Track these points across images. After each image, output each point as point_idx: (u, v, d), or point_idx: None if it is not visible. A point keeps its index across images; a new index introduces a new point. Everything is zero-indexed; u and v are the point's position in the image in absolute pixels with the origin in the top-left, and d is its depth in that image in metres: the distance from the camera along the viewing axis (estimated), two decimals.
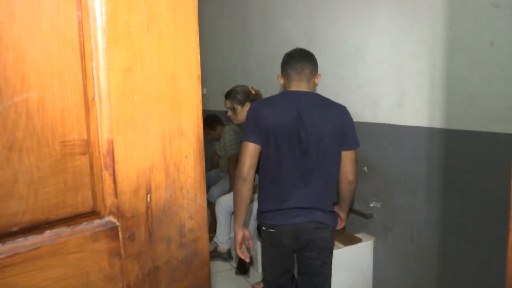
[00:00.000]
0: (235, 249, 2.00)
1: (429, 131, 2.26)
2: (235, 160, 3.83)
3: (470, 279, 2.15)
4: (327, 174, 1.92)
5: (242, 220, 1.88)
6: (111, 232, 0.46)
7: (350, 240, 2.71)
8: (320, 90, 3.13)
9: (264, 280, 2.08)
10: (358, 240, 2.71)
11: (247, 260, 1.98)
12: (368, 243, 2.74)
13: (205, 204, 0.65)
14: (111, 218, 0.46)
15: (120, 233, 0.47)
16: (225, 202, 3.49)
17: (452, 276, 2.24)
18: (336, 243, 2.70)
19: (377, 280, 2.78)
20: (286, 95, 1.94)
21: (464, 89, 2.06)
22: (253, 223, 3.38)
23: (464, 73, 2.06)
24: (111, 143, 0.46)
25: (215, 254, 3.50)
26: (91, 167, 0.45)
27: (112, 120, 0.46)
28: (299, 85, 1.96)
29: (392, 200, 2.58)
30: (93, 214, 0.45)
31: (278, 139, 1.81)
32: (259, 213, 1.95)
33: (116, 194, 0.46)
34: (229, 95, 2.98)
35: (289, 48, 3.33)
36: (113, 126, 0.46)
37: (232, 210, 3.53)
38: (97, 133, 0.45)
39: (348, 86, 2.85)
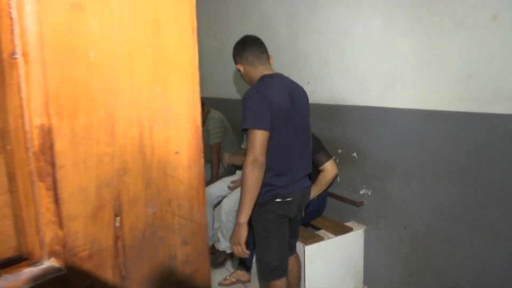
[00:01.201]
0: (230, 244, 1.89)
1: (424, 114, 2.11)
2: (218, 148, 3.63)
3: (467, 269, 2.02)
4: (310, 145, 2.09)
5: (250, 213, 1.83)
6: (56, 285, 0.26)
7: (340, 229, 2.56)
8: (304, 74, 2.95)
9: (269, 269, 1.99)
10: (349, 229, 2.56)
11: (247, 256, 1.88)
12: (358, 232, 2.59)
13: (205, 220, 0.46)
14: (53, 263, 0.26)
15: (71, 284, 0.27)
16: (209, 195, 3.28)
17: (449, 266, 2.11)
18: (326, 233, 2.55)
19: (369, 270, 2.64)
20: (272, 79, 1.94)
21: (463, 68, 1.91)
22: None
23: (462, 52, 1.90)
24: (48, 134, 0.26)
25: None
26: (12, 177, 0.24)
27: (48, 94, 0.26)
28: (268, 68, 2.00)
29: (384, 187, 2.43)
30: (20, 260, 0.25)
31: (282, 120, 1.84)
32: (272, 189, 1.91)
33: (60, 222, 0.26)
34: None
35: (270, 31, 3.14)
36: (50, 105, 0.25)
37: (216, 202, 3.33)
38: (21, 116, 0.24)
39: (335, 69, 2.66)
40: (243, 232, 1.80)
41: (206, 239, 0.45)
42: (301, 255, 2.36)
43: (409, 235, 2.31)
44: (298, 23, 2.96)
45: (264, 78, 1.93)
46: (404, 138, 2.25)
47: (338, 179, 2.75)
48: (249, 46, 1.98)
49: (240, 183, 1.82)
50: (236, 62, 2.04)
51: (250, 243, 2.70)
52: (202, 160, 0.44)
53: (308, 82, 2.92)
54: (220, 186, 3.23)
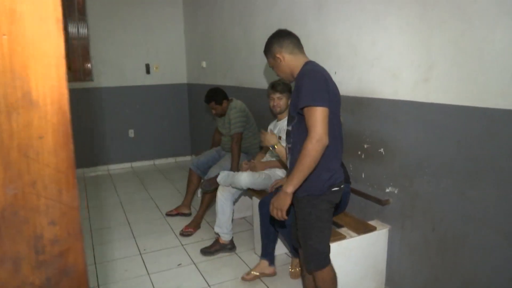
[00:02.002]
0: (270, 207, 1.89)
1: (460, 109, 1.95)
2: (239, 138, 3.53)
3: (498, 278, 1.87)
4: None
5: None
6: None
7: (364, 228, 2.43)
8: (332, 63, 2.80)
9: (324, 256, 1.98)
10: (372, 228, 2.44)
11: (286, 218, 1.88)
12: (383, 232, 2.46)
13: (76, 202, 0.51)
14: None
15: None
16: (232, 189, 3.18)
17: (478, 273, 1.96)
18: (349, 232, 2.43)
19: (391, 271, 2.51)
20: (318, 65, 1.97)
21: (507, 61, 1.73)
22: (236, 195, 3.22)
23: (508, 43, 1.73)
24: None
25: (218, 247, 3.21)
26: None
27: None
28: (306, 57, 2.01)
29: (412, 186, 2.28)
30: None
31: (334, 101, 1.85)
32: (332, 177, 1.89)
33: None
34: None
35: (297, 18, 3.00)
36: None
37: (236, 197, 3.23)
38: None
39: (365, 57, 2.51)
40: (288, 200, 1.82)
41: (78, 220, 0.49)
42: None
43: (437, 237, 2.17)
44: (327, 10, 2.81)
45: (310, 63, 1.95)
46: (437, 135, 2.09)
47: (363, 175, 2.62)
48: (288, 36, 2.00)
49: (299, 156, 1.77)
50: (275, 52, 1.97)
51: (273, 235, 2.60)
52: (71, 145, 0.47)
53: (335, 72, 2.78)
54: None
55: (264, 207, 2.80)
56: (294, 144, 1.93)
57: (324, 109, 1.74)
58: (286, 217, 1.86)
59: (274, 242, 2.82)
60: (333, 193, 1.92)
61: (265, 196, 2.92)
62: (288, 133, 2.00)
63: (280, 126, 3.03)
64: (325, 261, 1.99)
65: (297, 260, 2.82)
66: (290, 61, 1.96)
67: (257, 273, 2.82)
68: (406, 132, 2.28)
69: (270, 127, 3.24)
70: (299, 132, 1.88)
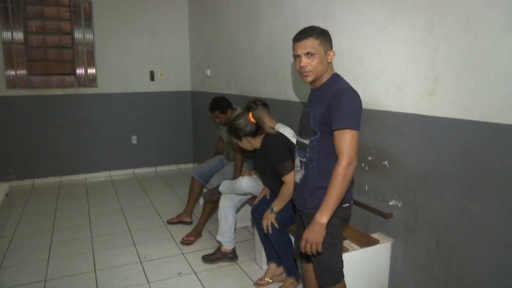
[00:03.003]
0: (302, 243, 1.81)
1: (466, 124, 1.92)
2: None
3: None
4: None
5: None
6: None
7: (366, 241, 2.41)
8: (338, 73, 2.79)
9: (337, 271, 1.94)
10: (375, 241, 2.41)
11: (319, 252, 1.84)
12: (385, 245, 2.43)
13: None
14: None
15: None
16: (235, 197, 3.17)
17: (483, 287, 1.94)
18: (351, 245, 2.40)
19: (394, 286, 2.47)
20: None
21: None
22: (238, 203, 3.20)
23: None
24: None
25: (219, 256, 3.18)
26: None
27: None
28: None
29: (416, 199, 2.26)
30: None
31: None
32: (350, 192, 1.91)
33: None
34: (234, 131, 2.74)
35: (302, 27, 2.99)
36: None
37: (239, 205, 3.21)
38: None
39: (370, 69, 2.50)
40: (324, 232, 1.75)
41: None
42: None
43: (441, 251, 2.14)
44: (333, 20, 2.80)
45: (340, 77, 1.90)
46: (441, 148, 2.07)
47: (366, 188, 2.60)
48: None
49: (330, 184, 1.72)
50: (330, 46, 1.87)
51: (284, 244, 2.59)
52: None
53: None
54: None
55: (256, 214, 2.85)
56: (311, 159, 1.86)
57: (358, 133, 1.73)
58: (320, 251, 1.79)
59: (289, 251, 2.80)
60: (344, 210, 1.89)
61: (257, 202, 2.93)
62: (303, 146, 1.89)
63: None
64: (339, 276, 1.95)
65: (277, 270, 2.88)
66: (330, 69, 1.88)
67: (270, 280, 2.85)
68: (410, 145, 2.26)
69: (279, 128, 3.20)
70: (319, 148, 1.82)
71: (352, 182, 1.87)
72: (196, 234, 3.59)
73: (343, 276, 1.97)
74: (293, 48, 1.86)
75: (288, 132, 3.06)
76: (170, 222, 4.01)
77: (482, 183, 1.89)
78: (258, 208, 2.86)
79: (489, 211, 1.87)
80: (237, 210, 3.28)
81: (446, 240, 2.10)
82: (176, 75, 6.23)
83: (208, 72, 5.46)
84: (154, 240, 3.61)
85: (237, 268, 3.09)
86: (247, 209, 3.74)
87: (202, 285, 2.84)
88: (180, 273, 3.01)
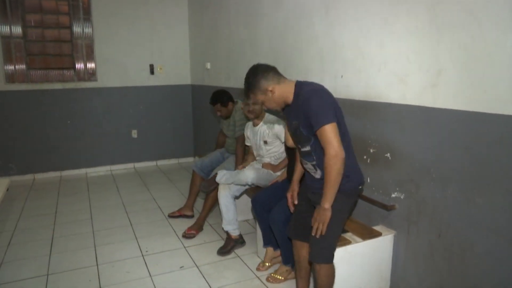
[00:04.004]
0: (313, 223, 2.05)
1: (469, 115, 1.91)
2: (243, 141, 3.52)
3: (508, 286, 1.84)
4: None
5: None
6: None
7: (369, 233, 2.41)
8: (338, 67, 2.78)
9: (332, 252, 2.11)
10: (377, 234, 2.41)
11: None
12: (388, 237, 2.43)
13: None
14: None
15: None
16: (233, 187, 3.18)
17: (486, 281, 1.93)
18: (353, 237, 2.41)
19: (396, 278, 2.48)
20: (313, 83, 2.11)
21: None
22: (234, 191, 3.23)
23: None
24: None
25: (233, 244, 3.25)
26: None
27: None
28: (291, 80, 2.14)
29: (419, 191, 2.26)
30: None
31: (339, 113, 2.04)
32: (359, 177, 2.16)
33: None
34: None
35: (303, 20, 2.99)
36: None
37: (238, 194, 3.23)
38: None
39: (372, 61, 2.49)
40: (329, 214, 2.00)
41: None
42: None
43: (443, 244, 2.14)
44: (334, 12, 2.78)
45: (303, 83, 2.08)
46: (444, 141, 2.06)
47: (369, 180, 2.59)
48: (268, 68, 2.10)
49: (324, 176, 1.96)
50: (265, 87, 2.06)
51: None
52: None
53: (342, 76, 2.75)
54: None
55: (257, 204, 2.90)
56: (319, 160, 2.06)
57: (333, 124, 1.91)
58: (323, 233, 2.02)
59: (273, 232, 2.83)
60: (358, 192, 2.18)
61: (257, 192, 2.99)
62: (308, 153, 2.10)
63: (260, 132, 3.20)
64: (332, 256, 2.11)
65: (274, 253, 2.95)
66: (282, 90, 2.06)
67: (269, 263, 2.95)
68: (413, 137, 2.25)
69: (248, 133, 3.31)
70: (320, 149, 2.00)
71: (355, 168, 2.14)
72: (197, 228, 3.59)
73: (333, 259, 2.12)
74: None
75: (277, 128, 3.10)
76: (171, 216, 4.02)
77: (485, 175, 1.88)
78: (259, 198, 2.90)
79: (492, 204, 1.86)
80: (237, 197, 3.32)
81: (448, 233, 2.10)
82: (176, 69, 6.21)
83: (208, 65, 5.44)
84: (156, 234, 3.62)
85: (239, 261, 3.10)
86: (248, 202, 3.74)
87: (205, 278, 2.84)
88: (182, 266, 3.02)
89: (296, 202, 2.36)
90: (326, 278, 2.12)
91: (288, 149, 2.87)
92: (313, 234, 2.06)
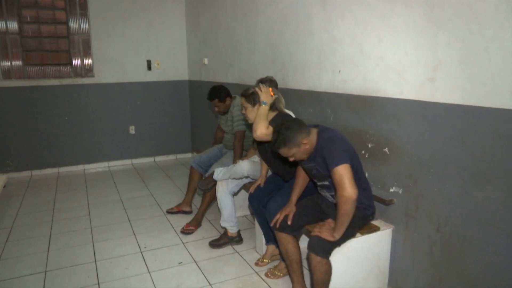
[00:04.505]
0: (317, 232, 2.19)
1: (467, 109, 1.92)
2: (242, 136, 3.51)
3: (505, 280, 1.85)
4: None
5: None
6: None
7: (367, 228, 2.41)
8: (336, 61, 2.78)
9: (332, 249, 2.20)
10: (376, 228, 2.41)
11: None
12: (386, 232, 2.44)
13: None
14: None
15: None
16: (230, 183, 3.18)
17: (484, 275, 1.94)
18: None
19: (394, 272, 2.49)
20: (328, 128, 2.31)
21: None
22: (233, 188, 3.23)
23: None
24: None
25: (226, 240, 3.27)
26: None
27: None
28: (312, 127, 2.32)
29: (417, 186, 2.26)
30: None
31: (355, 159, 2.26)
32: (373, 207, 2.39)
33: None
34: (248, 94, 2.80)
35: (301, 15, 2.98)
36: None
37: (236, 190, 3.23)
38: None
39: (370, 55, 2.48)
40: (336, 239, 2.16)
41: None
42: None
43: (441, 238, 2.15)
44: (332, 6, 2.78)
45: (321, 131, 2.26)
46: (442, 135, 2.06)
47: (367, 175, 2.59)
48: (299, 121, 2.24)
49: (338, 212, 2.10)
50: (301, 140, 2.17)
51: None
52: None
53: (340, 71, 2.75)
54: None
55: (254, 200, 2.90)
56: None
57: (346, 165, 2.06)
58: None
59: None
60: (367, 219, 2.39)
61: (250, 192, 2.97)
62: (327, 187, 2.31)
63: None
64: (330, 253, 2.18)
65: (275, 250, 2.94)
66: (311, 141, 2.20)
67: (268, 260, 2.95)
68: (411, 131, 2.25)
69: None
70: None
71: (369, 202, 2.35)
72: (196, 224, 3.59)
73: (329, 256, 2.18)
74: None
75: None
76: (169, 211, 4.02)
77: (483, 169, 1.89)
78: (256, 194, 2.91)
79: (490, 197, 1.87)
80: (235, 193, 3.32)
81: (447, 227, 2.11)
82: (173, 64, 6.19)
83: (206, 61, 5.42)
84: (154, 230, 3.62)
85: (238, 256, 3.10)
86: (246, 198, 3.75)
87: (203, 274, 2.85)
88: (181, 262, 3.02)
89: (289, 222, 2.40)
90: (322, 275, 2.17)
91: (260, 147, 2.88)
92: (314, 234, 2.17)
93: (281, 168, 2.79)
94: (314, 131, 2.23)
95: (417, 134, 2.22)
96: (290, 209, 2.45)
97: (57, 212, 4.12)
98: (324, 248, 2.15)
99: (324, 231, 2.17)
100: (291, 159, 2.25)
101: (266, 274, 2.80)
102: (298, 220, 2.42)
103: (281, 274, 2.77)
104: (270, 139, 2.31)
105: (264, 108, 2.61)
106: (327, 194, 2.39)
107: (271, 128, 2.50)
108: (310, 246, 2.17)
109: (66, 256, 3.15)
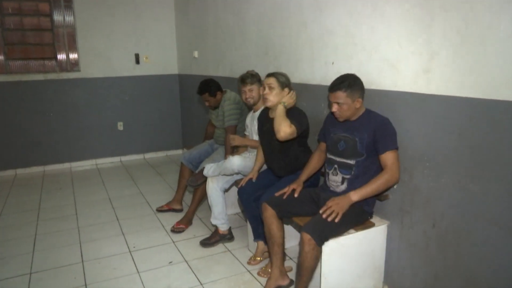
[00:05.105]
0: (330, 209, 2.22)
1: (463, 101, 1.91)
2: (233, 131, 3.50)
3: (502, 277, 1.86)
4: None
5: None
6: None
7: (361, 224, 2.41)
8: (328, 53, 2.77)
9: (327, 238, 2.22)
10: (370, 224, 2.41)
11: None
12: (381, 228, 2.44)
13: None
14: None
15: None
16: (221, 179, 3.18)
17: (481, 271, 1.94)
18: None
19: (390, 269, 2.50)
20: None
21: None
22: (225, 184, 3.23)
23: None
24: None
25: (218, 238, 3.26)
26: None
27: None
28: None
29: (412, 180, 2.26)
30: None
31: None
32: (371, 206, 2.44)
33: None
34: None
35: (292, 5, 2.97)
36: None
37: (227, 187, 3.22)
38: None
39: (363, 47, 2.48)
40: (347, 206, 2.23)
41: None
42: None
43: (438, 233, 2.15)
44: None
45: (372, 111, 2.36)
46: (438, 127, 2.06)
47: None
48: (363, 87, 2.31)
49: (375, 178, 2.24)
50: (358, 96, 2.26)
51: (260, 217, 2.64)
52: None
53: (333, 63, 2.74)
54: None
55: (244, 195, 2.89)
56: (356, 176, 2.32)
57: (397, 151, 2.24)
58: (337, 221, 2.19)
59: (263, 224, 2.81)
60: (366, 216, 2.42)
61: (241, 186, 2.96)
62: (347, 166, 2.35)
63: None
64: (323, 241, 2.20)
65: (265, 247, 2.92)
66: (360, 107, 2.30)
67: (260, 258, 2.96)
68: (405, 124, 2.25)
69: (248, 121, 3.33)
70: (364, 167, 2.30)
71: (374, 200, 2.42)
72: (186, 222, 3.58)
73: (322, 245, 2.21)
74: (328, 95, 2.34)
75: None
76: (159, 210, 4.00)
77: (480, 162, 1.89)
78: (246, 188, 2.90)
79: (487, 191, 1.87)
80: (226, 190, 3.31)
81: (443, 222, 2.11)
82: (162, 58, 6.15)
83: (196, 54, 5.39)
84: (144, 229, 3.61)
85: (230, 255, 3.10)
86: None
87: (194, 273, 2.84)
88: (171, 262, 3.01)
89: (296, 195, 2.49)
90: (312, 261, 2.19)
91: (263, 140, 2.91)
92: (321, 212, 2.22)
93: (278, 161, 2.80)
94: (363, 106, 2.34)
95: (412, 127, 2.22)
96: (298, 185, 2.56)
97: (43, 212, 4.09)
98: (320, 233, 2.17)
99: (334, 205, 2.22)
100: (335, 108, 2.29)
101: (258, 273, 2.80)
102: (289, 206, 2.47)
103: None
104: (294, 137, 2.58)
105: (282, 109, 2.61)
106: (338, 177, 2.39)
107: (293, 127, 2.55)
108: (305, 228, 2.18)
109: (52, 257, 3.12)
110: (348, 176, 2.35)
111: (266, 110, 2.91)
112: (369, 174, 2.30)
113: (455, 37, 1.91)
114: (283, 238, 2.52)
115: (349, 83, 2.23)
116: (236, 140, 3.23)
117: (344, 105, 2.25)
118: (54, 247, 3.29)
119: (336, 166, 2.41)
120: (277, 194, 2.55)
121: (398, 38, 2.23)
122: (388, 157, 2.20)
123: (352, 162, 2.32)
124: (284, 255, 2.57)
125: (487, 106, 1.81)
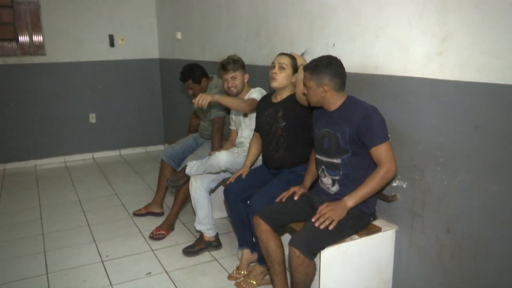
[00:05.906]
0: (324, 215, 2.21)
1: (481, 87, 1.91)
2: (221, 124, 3.48)
3: None
4: None
5: None
6: None
7: (366, 229, 2.41)
8: (330, 34, 2.77)
9: (319, 249, 2.22)
10: (377, 229, 2.42)
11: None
12: (389, 233, 2.45)
13: None
14: None
15: None
16: (205, 178, 3.16)
17: (502, 281, 1.95)
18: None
19: (399, 280, 2.50)
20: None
21: None
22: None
23: None
24: None
25: (203, 246, 3.26)
26: None
27: None
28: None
29: (424, 179, 2.26)
30: None
31: None
32: (374, 208, 2.45)
33: None
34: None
35: None
36: None
37: (212, 187, 3.21)
38: None
39: (369, 26, 2.47)
40: (344, 213, 2.24)
41: None
42: (316, 259, 2.23)
43: (453, 239, 2.15)
44: None
45: (354, 97, 2.37)
46: (452, 118, 2.06)
47: None
48: (338, 72, 2.28)
49: (368, 179, 2.23)
50: (321, 83, 2.24)
51: (248, 221, 2.61)
52: None
53: (334, 44, 2.73)
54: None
55: (231, 194, 2.88)
56: (345, 176, 2.32)
57: (390, 142, 2.23)
58: (330, 228, 2.18)
59: (251, 229, 2.79)
60: (367, 220, 2.41)
61: (229, 183, 2.95)
62: (334, 165, 2.35)
63: None
64: (315, 254, 2.20)
65: (252, 256, 2.95)
66: (331, 97, 2.29)
67: (244, 272, 2.92)
68: (416, 114, 2.25)
69: (233, 112, 3.33)
70: (352, 165, 2.29)
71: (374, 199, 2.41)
72: (167, 227, 3.58)
73: (314, 258, 2.20)
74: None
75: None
76: (137, 214, 4.01)
77: (501, 158, 1.88)
78: (234, 186, 2.88)
79: (508, 192, 1.87)
80: (212, 191, 3.31)
81: (459, 227, 2.11)
82: (140, 40, 6.15)
83: (179, 36, 5.38)
84: (118, 236, 3.61)
85: (216, 264, 3.10)
86: None
87: (175, 286, 2.84)
88: (149, 273, 3.01)
89: (296, 198, 2.51)
90: (304, 276, 2.19)
91: (262, 129, 2.90)
92: (313, 220, 2.20)
93: (279, 151, 2.80)
94: (343, 95, 2.33)
95: (423, 117, 2.21)
96: (300, 188, 2.57)
97: (2, 216, 4.08)
98: (310, 246, 2.15)
99: (328, 212, 2.21)
100: (303, 91, 2.37)
101: (236, 284, 2.79)
102: (283, 214, 2.46)
103: (255, 283, 2.76)
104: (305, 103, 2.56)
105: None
106: (327, 179, 2.38)
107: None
108: (293, 241, 2.16)
109: (12, 268, 3.12)
110: (337, 177, 2.35)
111: (268, 96, 2.93)
112: (361, 172, 2.28)
113: (473, 14, 1.90)
114: (283, 253, 2.49)
115: (316, 65, 2.24)
116: (205, 97, 2.87)
117: (309, 91, 2.31)
118: (15, 257, 3.28)
119: (323, 167, 2.42)
120: (277, 200, 2.54)
121: (408, 17, 2.22)
122: (379, 151, 2.20)
123: (338, 161, 2.32)
124: (285, 272, 2.53)
125: (509, 93, 1.80)
